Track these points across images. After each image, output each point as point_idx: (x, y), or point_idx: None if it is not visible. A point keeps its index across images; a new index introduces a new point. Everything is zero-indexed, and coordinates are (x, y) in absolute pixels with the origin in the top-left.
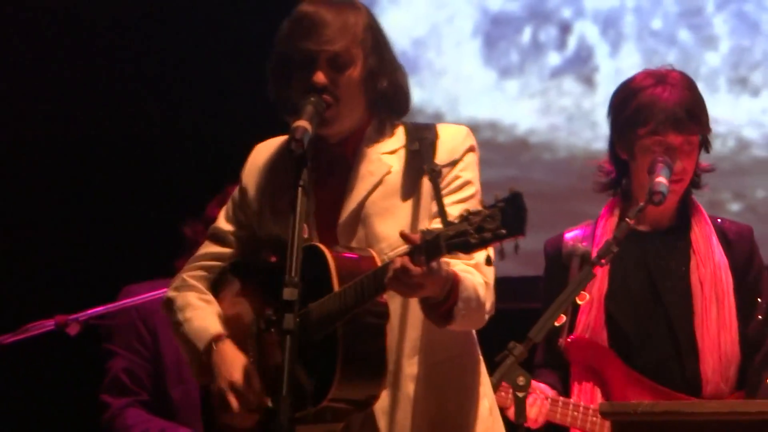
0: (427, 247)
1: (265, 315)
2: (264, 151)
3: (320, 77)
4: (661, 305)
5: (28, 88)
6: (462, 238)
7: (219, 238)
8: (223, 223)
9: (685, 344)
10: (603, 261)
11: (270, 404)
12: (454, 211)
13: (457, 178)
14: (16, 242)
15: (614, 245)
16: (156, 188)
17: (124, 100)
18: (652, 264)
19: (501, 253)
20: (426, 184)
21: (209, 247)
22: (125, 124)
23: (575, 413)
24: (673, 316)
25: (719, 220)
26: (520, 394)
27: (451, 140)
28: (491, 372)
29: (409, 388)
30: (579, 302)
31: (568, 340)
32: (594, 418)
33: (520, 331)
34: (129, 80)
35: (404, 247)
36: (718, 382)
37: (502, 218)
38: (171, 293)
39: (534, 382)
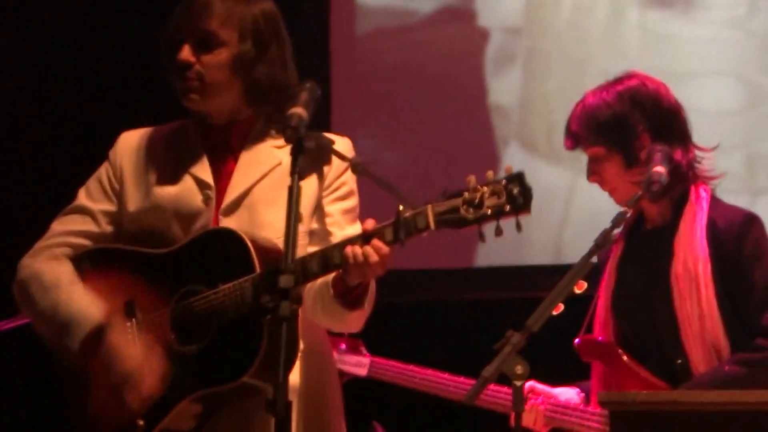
0: (408, 223)
1: (261, 301)
2: (135, 136)
3: (184, 53)
4: (648, 303)
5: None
6: (454, 214)
7: (86, 214)
8: (87, 201)
9: (669, 339)
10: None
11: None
12: (340, 218)
13: (343, 184)
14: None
15: (610, 234)
16: None
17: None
18: (643, 262)
19: (497, 231)
20: (315, 183)
21: (74, 224)
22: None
23: (573, 416)
24: (656, 313)
25: (719, 209)
26: (518, 383)
27: (341, 148)
28: (490, 360)
29: None
30: (577, 291)
31: (576, 341)
32: (589, 420)
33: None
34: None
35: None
36: (707, 365)
37: (507, 195)
38: (35, 264)
39: (537, 386)
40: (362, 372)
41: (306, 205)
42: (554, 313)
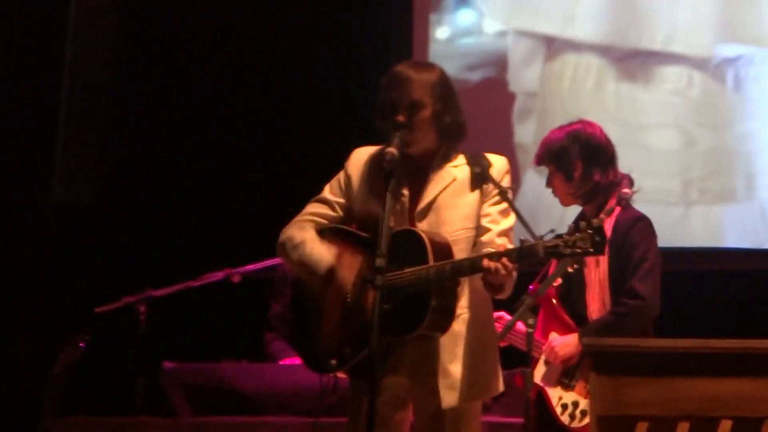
0: (526, 250)
1: (365, 275)
2: (362, 153)
3: (400, 117)
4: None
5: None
6: (556, 249)
7: (327, 203)
8: (329, 194)
9: (580, 297)
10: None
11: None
12: (497, 216)
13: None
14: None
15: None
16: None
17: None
18: None
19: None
20: (478, 194)
21: (318, 208)
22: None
23: (519, 338)
24: (575, 279)
25: (624, 212)
26: (530, 330)
27: (497, 167)
28: (511, 313)
29: (456, 325)
30: (569, 270)
31: (530, 287)
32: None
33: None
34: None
35: (463, 230)
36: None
37: (591, 242)
38: (289, 231)
39: (505, 316)
40: None
41: (473, 209)
42: (555, 285)
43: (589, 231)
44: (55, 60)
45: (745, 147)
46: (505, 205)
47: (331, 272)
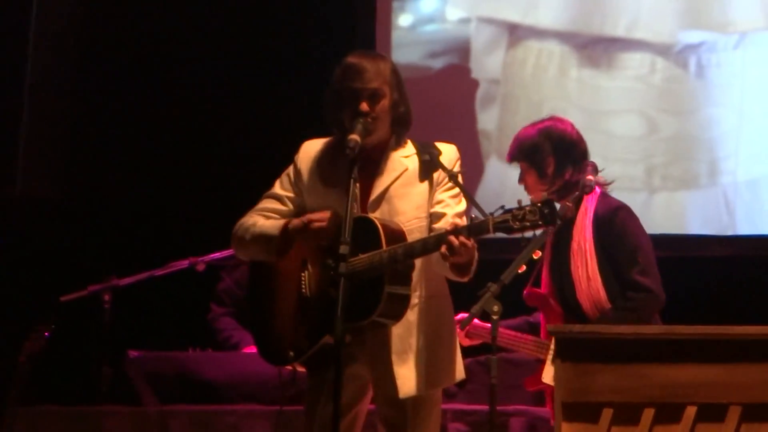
0: (476, 227)
1: (326, 263)
2: (313, 145)
3: (364, 106)
4: (561, 271)
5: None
6: (506, 224)
7: (277, 198)
8: (279, 189)
9: (571, 295)
10: (551, 231)
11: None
12: (450, 201)
13: (449, 180)
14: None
15: (559, 220)
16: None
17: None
18: (560, 243)
19: (525, 239)
20: (428, 183)
21: (269, 203)
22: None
23: (525, 344)
24: (564, 278)
25: (601, 203)
26: (495, 317)
27: (447, 155)
28: (474, 302)
29: (411, 315)
30: (535, 257)
31: (525, 292)
32: (533, 346)
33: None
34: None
35: (416, 219)
36: (595, 312)
37: (540, 214)
38: (239, 222)
39: (475, 321)
40: None
41: (425, 198)
42: (519, 271)
43: (539, 204)
44: (18, 53)
45: (707, 133)
46: (456, 190)
47: (285, 231)
